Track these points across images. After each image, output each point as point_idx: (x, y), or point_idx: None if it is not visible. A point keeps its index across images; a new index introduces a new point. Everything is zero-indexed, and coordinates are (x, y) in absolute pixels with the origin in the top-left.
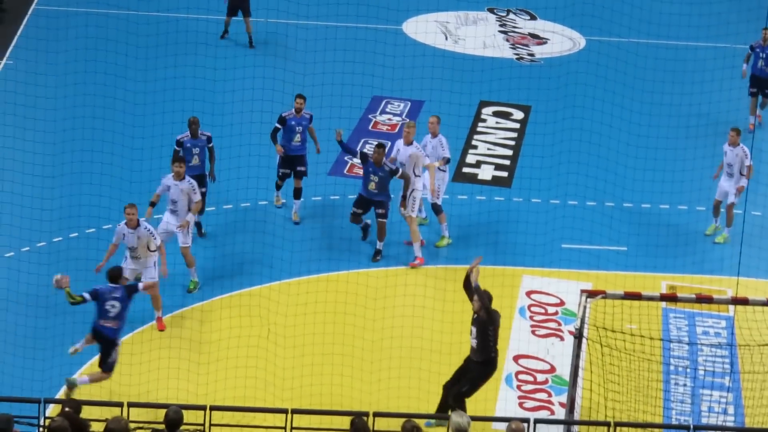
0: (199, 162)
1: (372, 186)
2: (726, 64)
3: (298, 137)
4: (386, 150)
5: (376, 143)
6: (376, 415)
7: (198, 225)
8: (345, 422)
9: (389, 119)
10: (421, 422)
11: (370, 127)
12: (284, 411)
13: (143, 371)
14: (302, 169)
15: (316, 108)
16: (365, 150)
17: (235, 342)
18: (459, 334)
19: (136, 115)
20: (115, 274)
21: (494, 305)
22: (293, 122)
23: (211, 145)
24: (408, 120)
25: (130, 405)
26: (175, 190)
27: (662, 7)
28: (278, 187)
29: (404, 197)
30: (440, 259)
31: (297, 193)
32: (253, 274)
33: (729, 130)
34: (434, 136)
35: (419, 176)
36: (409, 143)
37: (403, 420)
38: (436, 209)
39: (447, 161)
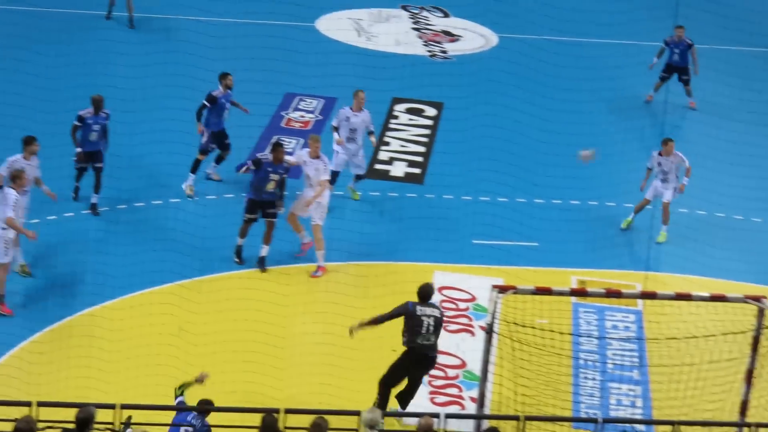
0: (96, 138)
1: (271, 186)
2: (636, 61)
3: (227, 113)
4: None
5: (273, 142)
6: (288, 411)
7: (93, 206)
8: (256, 419)
9: (302, 116)
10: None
11: (282, 124)
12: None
13: (53, 370)
14: (229, 142)
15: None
16: (257, 155)
17: (146, 340)
18: (370, 331)
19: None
20: None
21: (405, 301)
22: (223, 100)
23: (107, 122)
24: (312, 134)
25: (40, 404)
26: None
27: (573, 5)
28: (196, 169)
29: (308, 204)
30: (350, 255)
31: (220, 160)
32: (164, 271)
33: (663, 141)
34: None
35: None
36: (316, 157)
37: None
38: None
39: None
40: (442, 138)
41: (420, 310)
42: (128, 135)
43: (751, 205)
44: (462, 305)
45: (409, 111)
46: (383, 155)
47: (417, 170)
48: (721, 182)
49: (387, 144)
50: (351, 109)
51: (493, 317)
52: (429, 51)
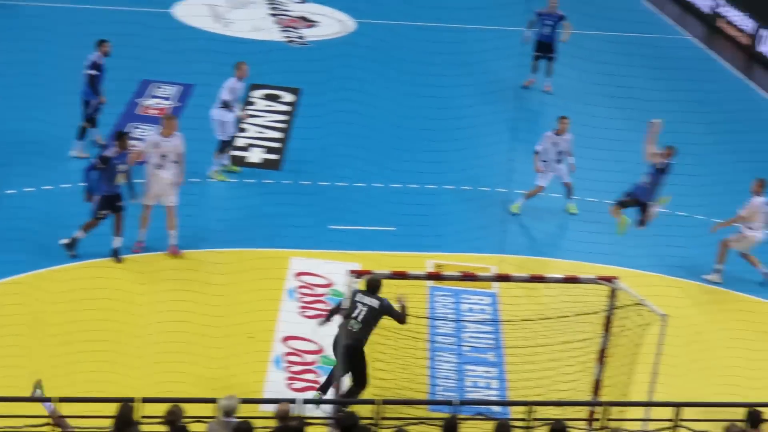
0: None
1: (122, 178)
2: (499, 45)
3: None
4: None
5: (116, 133)
6: (145, 400)
7: None
8: (113, 408)
9: (158, 103)
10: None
11: (138, 112)
12: (48, 399)
13: None
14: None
15: None
16: (104, 153)
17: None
18: (227, 317)
19: None
20: None
21: (263, 288)
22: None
23: None
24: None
25: None
26: None
27: None
28: (83, 135)
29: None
30: (206, 242)
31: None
32: (18, 262)
33: (559, 119)
34: None
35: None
36: (170, 135)
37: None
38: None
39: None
40: (299, 124)
41: (360, 297)
42: None
43: (605, 187)
44: (319, 290)
45: (267, 97)
46: (240, 142)
47: (275, 156)
48: (577, 166)
49: (244, 130)
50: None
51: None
52: (286, 37)
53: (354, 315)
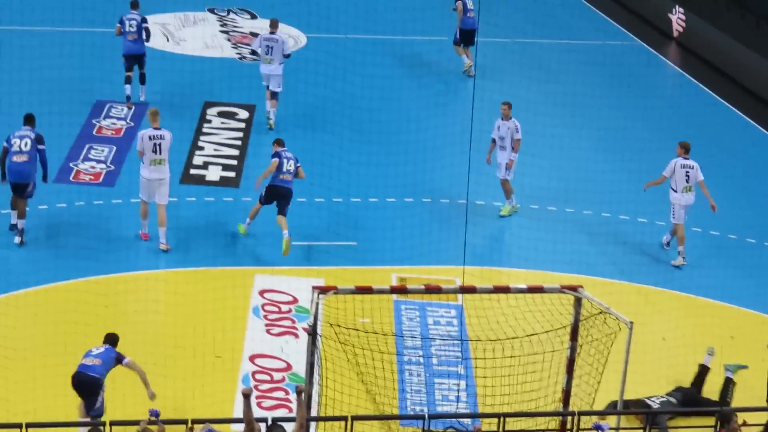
0: None
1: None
2: (448, 57)
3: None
4: None
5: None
6: (113, 423)
7: None
8: None
9: (113, 123)
10: None
11: (94, 132)
12: (18, 425)
13: None
14: None
15: (44, 114)
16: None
17: None
18: (193, 337)
19: None
20: None
21: (228, 306)
22: None
23: None
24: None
25: None
26: None
27: (377, 6)
28: None
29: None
30: (168, 262)
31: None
32: None
33: (501, 104)
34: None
35: None
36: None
37: None
38: None
39: None
40: (255, 141)
41: None
42: None
43: (560, 196)
44: (284, 308)
45: (222, 114)
46: (198, 160)
47: (232, 174)
48: (531, 175)
49: (201, 149)
50: None
51: (316, 318)
52: (238, 53)
53: None
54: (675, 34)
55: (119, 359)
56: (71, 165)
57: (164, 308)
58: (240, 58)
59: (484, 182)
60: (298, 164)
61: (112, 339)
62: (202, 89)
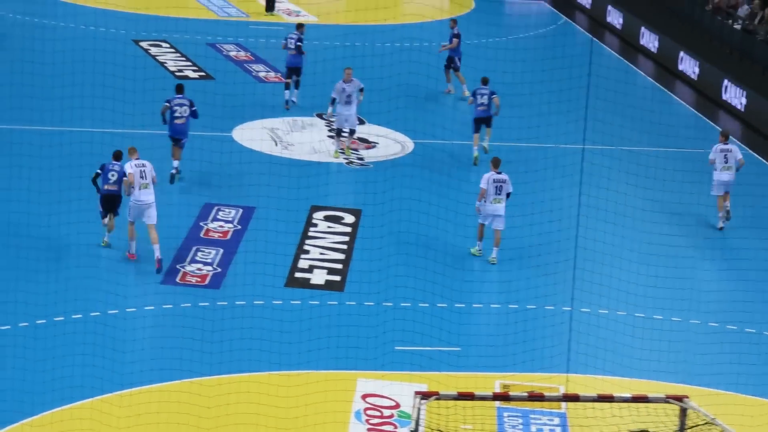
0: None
1: None
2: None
3: None
4: None
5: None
6: None
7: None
8: None
9: (221, 226)
10: None
11: (201, 235)
12: None
13: None
14: None
15: None
16: None
17: None
18: None
19: None
20: None
21: (329, 410)
22: None
23: None
24: None
25: None
26: None
27: None
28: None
29: None
30: (271, 365)
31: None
32: (84, 387)
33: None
34: None
35: None
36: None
37: None
38: None
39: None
40: (360, 245)
41: None
42: None
43: (665, 304)
44: (386, 412)
45: (328, 218)
46: (303, 263)
47: (337, 278)
48: (638, 283)
49: (307, 252)
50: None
51: (417, 424)
52: (346, 158)
53: None
54: None
55: None
56: (178, 267)
57: (266, 411)
58: (347, 163)
59: (587, 289)
60: None
61: None
62: (309, 193)
